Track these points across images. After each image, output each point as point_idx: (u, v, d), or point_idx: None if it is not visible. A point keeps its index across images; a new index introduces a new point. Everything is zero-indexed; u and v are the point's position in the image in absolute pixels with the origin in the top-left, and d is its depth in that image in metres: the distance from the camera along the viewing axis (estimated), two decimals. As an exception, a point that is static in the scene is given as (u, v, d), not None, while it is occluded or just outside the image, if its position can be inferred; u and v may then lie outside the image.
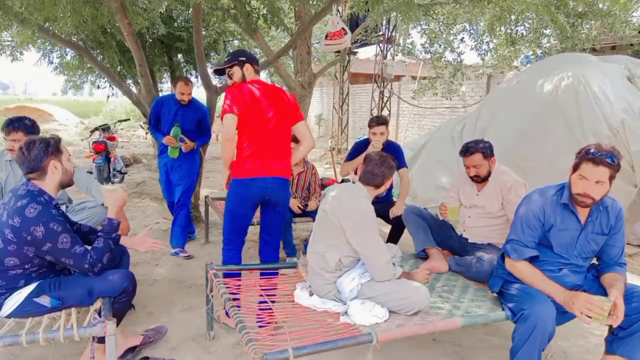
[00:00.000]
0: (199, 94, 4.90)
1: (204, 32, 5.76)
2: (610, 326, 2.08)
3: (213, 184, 7.30)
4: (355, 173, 3.67)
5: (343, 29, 4.39)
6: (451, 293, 2.47)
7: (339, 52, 7.46)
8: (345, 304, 2.22)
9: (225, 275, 2.55)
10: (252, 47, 7.22)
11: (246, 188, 2.49)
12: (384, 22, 9.85)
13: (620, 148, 4.13)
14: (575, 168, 2.05)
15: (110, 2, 3.61)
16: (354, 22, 8.45)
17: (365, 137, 3.83)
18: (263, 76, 11.90)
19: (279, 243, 2.82)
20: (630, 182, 4.22)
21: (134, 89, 5.94)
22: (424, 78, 9.78)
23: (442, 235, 3.03)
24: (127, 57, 5.91)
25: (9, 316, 2.00)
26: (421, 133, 10.52)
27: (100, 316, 1.95)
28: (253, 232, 3.81)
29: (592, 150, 1.99)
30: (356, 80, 15.37)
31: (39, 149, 2.00)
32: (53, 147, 2.04)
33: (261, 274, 2.67)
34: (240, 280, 2.57)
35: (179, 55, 6.75)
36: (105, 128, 7.24)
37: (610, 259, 2.17)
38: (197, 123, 4.00)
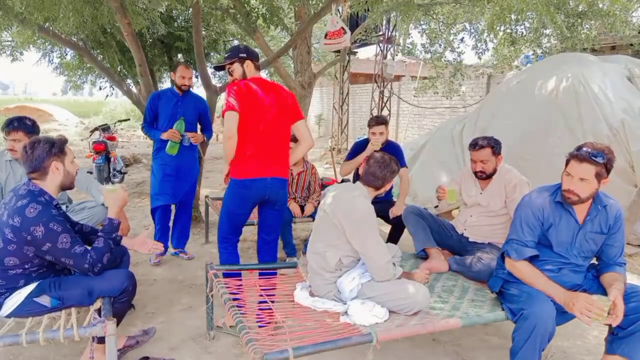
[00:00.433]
0: (199, 93, 4.90)
1: (203, 32, 5.76)
2: (610, 326, 2.08)
3: (213, 184, 7.30)
4: (357, 172, 3.68)
5: (342, 28, 4.39)
6: (451, 293, 2.47)
7: (338, 52, 7.46)
8: (345, 304, 2.22)
9: (225, 275, 2.55)
10: (252, 47, 7.21)
11: (246, 189, 2.49)
12: (384, 22, 9.84)
13: (620, 148, 4.16)
14: (565, 166, 2.10)
15: (110, 2, 3.61)
16: (353, 22, 8.45)
17: (365, 137, 3.83)
18: (263, 76, 11.92)
19: (277, 242, 2.81)
20: (630, 182, 4.22)
21: (134, 89, 5.93)
22: (424, 78, 9.78)
23: (442, 235, 3.03)
24: (127, 57, 5.91)
25: (9, 316, 2.00)
26: (421, 133, 10.52)
27: (100, 316, 1.95)
28: (253, 232, 3.81)
29: (579, 148, 2.03)
30: (356, 80, 15.37)
31: (43, 149, 2.00)
32: (57, 148, 2.04)
33: (260, 274, 2.67)
34: (240, 280, 2.57)
35: (179, 55, 6.74)
36: (105, 128, 7.24)
37: (610, 259, 2.17)
38: (198, 116, 3.77)
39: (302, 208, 3.84)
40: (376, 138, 3.59)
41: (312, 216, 3.72)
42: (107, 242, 2.12)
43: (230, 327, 2.68)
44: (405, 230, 3.25)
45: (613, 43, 8.30)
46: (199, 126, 3.85)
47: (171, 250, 3.92)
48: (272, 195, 2.55)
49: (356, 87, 13.88)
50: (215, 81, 5.62)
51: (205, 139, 3.91)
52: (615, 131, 4.22)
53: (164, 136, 3.55)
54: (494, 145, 2.80)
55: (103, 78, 7.03)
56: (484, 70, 9.67)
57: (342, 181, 4.64)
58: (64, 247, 1.96)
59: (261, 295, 2.33)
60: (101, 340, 1.99)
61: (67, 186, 2.15)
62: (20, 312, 1.99)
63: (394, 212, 3.49)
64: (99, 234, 2.17)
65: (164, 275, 3.56)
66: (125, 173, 6.90)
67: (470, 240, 2.95)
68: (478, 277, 2.63)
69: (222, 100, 2.74)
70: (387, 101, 11.04)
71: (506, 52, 7.40)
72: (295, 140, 2.72)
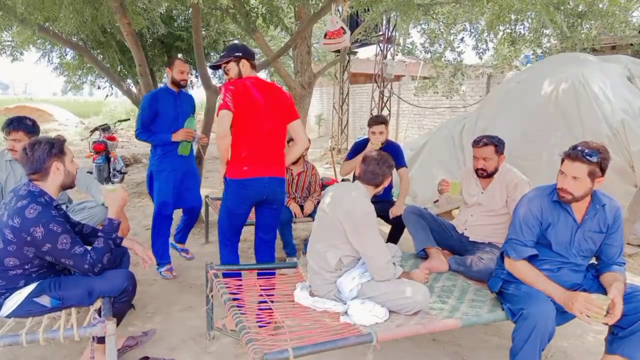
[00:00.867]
0: (199, 93, 4.90)
1: (203, 32, 5.76)
2: (610, 326, 2.08)
3: (213, 184, 7.30)
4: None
5: (342, 28, 4.39)
6: (451, 293, 2.47)
7: (338, 51, 7.46)
8: (345, 303, 2.22)
9: (225, 275, 2.55)
10: (252, 47, 7.22)
11: (244, 188, 2.49)
12: (384, 22, 9.84)
13: (620, 148, 4.16)
14: (561, 164, 2.12)
15: (110, 2, 3.61)
16: (353, 22, 8.46)
17: (365, 137, 3.83)
18: (263, 76, 11.89)
19: (274, 242, 2.81)
20: (630, 182, 4.22)
21: (134, 89, 5.94)
22: (424, 78, 9.78)
23: (442, 234, 3.03)
24: (127, 57, 5.92)
25: (9, 316, 2.00)
26: (421, 133, 10.52)
27: (100, 316, 1.95)
28: (253, 231, 3.80)
29: (574, 147, 2.05)
30: (356, 80, 15.37)
31: (43, 150, 1.99)
32: (57, 148, 2.04)
33: (258, 274, 2.67)
34: (240, 280, 2.57)
35: (179, 55, 6.74)
36: (105, 128, 7.24)
37: (609, 259, 2.17)
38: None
39: (301, 208, 3.84)
40: (376, 137, 3.59)
41: (312, 216, 3.72)
42: (107, 242, 2.12)
43: (231, 330, 2.68)
44: (405, 230, 3.25)
45: (613, 43, 8.29)
46: None
47: (172, 241, 3.87)
48: (270, 194, 2.55)
49: (356, 87, 13.88)
50: (215, 81, 5.62)
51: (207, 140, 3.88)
52: (615, 131, 4.22)
53: (178, 137, 3.36)
54: (498, 144, 2.81)
55: (103, 78, 7.04)
56: (484, 70, 9.66)
57: (342, 181, 4.65)
58: (64, 248, 1.96)
59: (261, 295, 2.33)
60: (101, 340, 1.99)
61: (68, 185, 2.15)
62: (20, 312, 1.99)
63: (394, 212, 3.49)
64: (99, 234, 2.17)
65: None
66: (125, 173, 6.90)
67: (470, 240, 2.95)
68: (478, 277, 2.63)
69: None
70: (387, 101, 11.04)
71: (506, 52, 7.39)
72: (291, 141, 2.72)
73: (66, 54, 6.65)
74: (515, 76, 5.97)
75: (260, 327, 2.17)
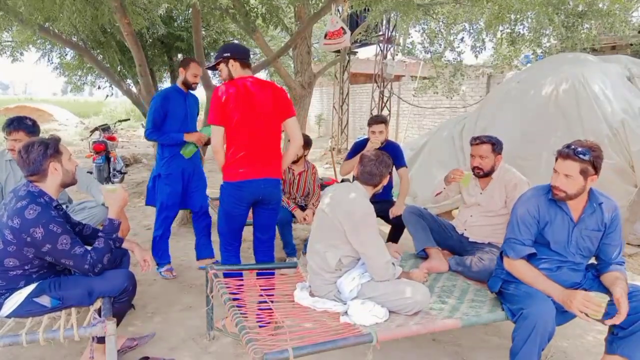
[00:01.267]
0: (199, 93, 4.91)
1: (203, 32, 5.76)
2: (610, 326, 2.08)
3: (213, 184, 7.26)
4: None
5: (342, 28, 4.38)
6: (451, 293, 2.47)
7: (339, 51, 7.46)
8: (345, 304, 2.22)
9: (226, 275, 2.54)
10: (252, 47, 7.22)
11: (240, 190, 2.48)
12: (384, 22, 9.84)
13: (620, 148, 4.16)
14: (555, 163, 2.14)
15: (110, 2, 3.61)
16: (354, 22, 8.46)
17: (365, 137, 3.83)
18: (263, 76, 11.89)
19: (273, 241, 2.80)
20: (631, 182, 4.21)
21: (134, 89, 5.94)
22: (424, 78, 9.78)
23: (442, 235, 3.03)
24: (127, 57, 5.92)
25: (9, 316, 2.00)
26: (421, 133, 10.52)
27: (100, 316, 1.95)
28: (252, 231, 3.80)
29: (567, 146, 2.08)
30: (356, 80, 15.37)
31: (38, 151, 1.98)
32: (52, 148, 2.03)
33: (258, 274, 2.66)
34: (240, 280, 2.57)
35: (179, 55, 6.75)
36: (105, 128, 7.24)
37: (609, 258, 2.18)
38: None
39: (301, 208, 3.84)
40: (375, 136, 3.60)
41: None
42: (107, 242, 2.12)
43: (231, 332, 2.68)
44: (405, 230, 3.25)
45: (613, 43, 8.29)
46: None
47: (199, 264, 3.61)
48: (265, 195, 2.54)
49: (356, 87, 13.88)
50: (215, 81, 5.62)
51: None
52: (615, 131, 4.22)
53: (192, 138, 3.36)
54: (495, 143, 2.81)
55: (103, 78, 7.04)
56: (484, 70, 9.65)
57: (342, 181, 4.65)
58: (64, 249, 1.96)
59: (261, 295, 2.33)
60: (101, 340, 2.00)
61: (68, 184, 2.15)
62: (20, 312, 1.99)
63: (394, 212, 3.49)
64: (100, 234, 2.17)
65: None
66: (125, 173, 6.90)
67: (470, 240, 2.95)
68: (478, 278, 2.63)
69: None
70: (387, 101, 11.04)
71: (506, 52, 7.39)
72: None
73: (66, 54, 6.65)
74: (515, 76, 5.97)
75: (260, 327, 2.17)
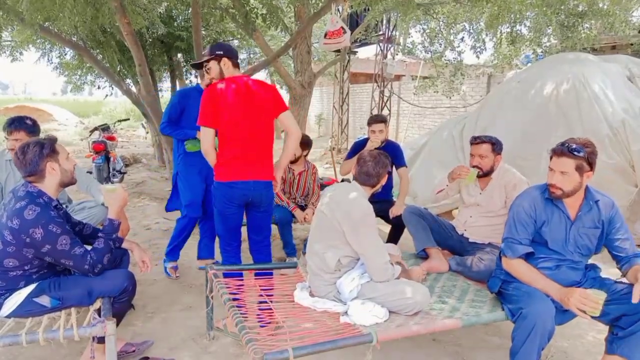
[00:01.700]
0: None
1: (203, 32, 5.77)
2: (610, 326, 2.08)
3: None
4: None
5: (342, 27, 4.39)
6: (451, 293, 2.47)
7: (339, 51, 7.47)
8: (345, 304, 2.22)
9: (226, 275, 2.54)
10: (252, 46, 7.23)
11: (230, 189, 2.47)
12: (384, 22, 9.84)
13: (620, 148, 4.16)
14: (549, 161, 2.15)
15: (110, 2, 3.61)
16: (354, 22, 8.45)
17: (365, 136, 3.83)
18: (263, 76, 11.88)
19: (269, 241, 2.78)
20: (631, 181, 4.22)
21: (133, 89, 5.95)
22: (425, 77, 9.78)
23: (443, 235, 3.03)
24: (127, 57, 5.92)
25: (9, 316, 2.00)
26: (421, 133, 10.51)
27: (100, 316, 1.95)
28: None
29: (562, 144, 2.09)
30: (356, 80, 15.36)
31: (34, 152, 1.97)
32: (48, 148, 2.01)
33: (256, 274, 2.66)
34: (240, 280, 2.57)
35: (179, 55, 6.75)
36: (104, 128, 7.23)
37: (625, 252, 2.16)
38: None
39: (301, 208, 3.84)
40: (375, 136, 3.59)
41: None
42: (107, 242, 2.12)
43: (231, 332, 2.68)
44: (405, 230, 3.25)
45: (613, 43, 8.30)
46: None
47: (199, 264, 3.60)
48: (255, 197, 2.52)
49: (356, 87, 13.88)
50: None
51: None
52: (616, 131, 4.22)
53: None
54: (495, 143, 2.81)
55: (103, 78, 7.05)
56: (484, 70, 9.66)
57: (342, 181, 4.65)
58: (64, 249, 1.96)
59: (261, 296, 2.33)
60: (101, 340, 1.99)
61: (67, 183, 2.14)
62: (20, 312, 1.99)
63: (394, 212, 3.49)
64: (99, 234, 2.16)
65: (163, 275, 3.55)
66: (125, 173, 6.89)
67: (470, 240, 2.95)
68: (478, 278, 2.63)
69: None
70: (387, 101, 11.04)
71: (506, 52, 7.40)
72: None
73: (66, 54, 6.66)
74: (515, 76, 5.97)
75: (260, 327, 2.17)
